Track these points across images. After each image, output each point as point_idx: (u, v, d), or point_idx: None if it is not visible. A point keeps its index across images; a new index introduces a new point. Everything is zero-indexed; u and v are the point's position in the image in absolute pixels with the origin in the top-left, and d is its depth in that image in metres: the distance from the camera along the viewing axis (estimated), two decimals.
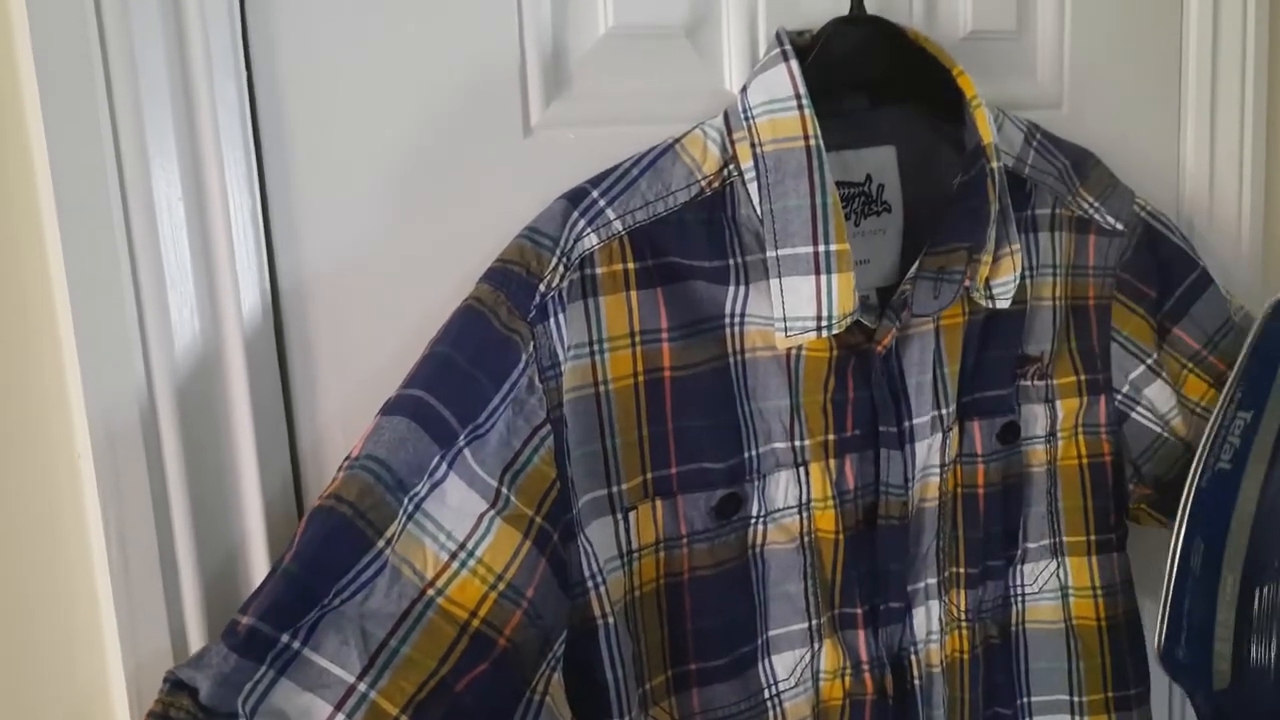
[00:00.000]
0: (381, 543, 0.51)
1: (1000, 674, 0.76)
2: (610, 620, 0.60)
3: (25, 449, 0.53)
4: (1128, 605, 0.78)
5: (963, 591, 0.73)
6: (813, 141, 0.60)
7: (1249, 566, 0.64)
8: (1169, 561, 0.65)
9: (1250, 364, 0.67)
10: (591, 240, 0.59)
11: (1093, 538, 0.77)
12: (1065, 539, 0.77)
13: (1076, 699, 0.77)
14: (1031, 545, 0.77)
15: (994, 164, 0.64)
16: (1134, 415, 0.78)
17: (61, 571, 0.54)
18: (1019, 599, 0.77)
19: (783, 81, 0.61)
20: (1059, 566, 0.77)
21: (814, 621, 0.68)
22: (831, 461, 0.67)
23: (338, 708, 0.49)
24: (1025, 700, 0.77)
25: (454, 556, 0.54)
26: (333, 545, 0.51)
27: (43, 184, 0.51)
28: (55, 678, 0.55)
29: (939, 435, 0.70)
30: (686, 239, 0.62)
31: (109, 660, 0.55)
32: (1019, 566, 0.77)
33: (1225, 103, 0.89)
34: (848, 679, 0.69)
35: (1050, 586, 0.77)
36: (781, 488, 0.66)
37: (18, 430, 0.53)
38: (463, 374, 0.55)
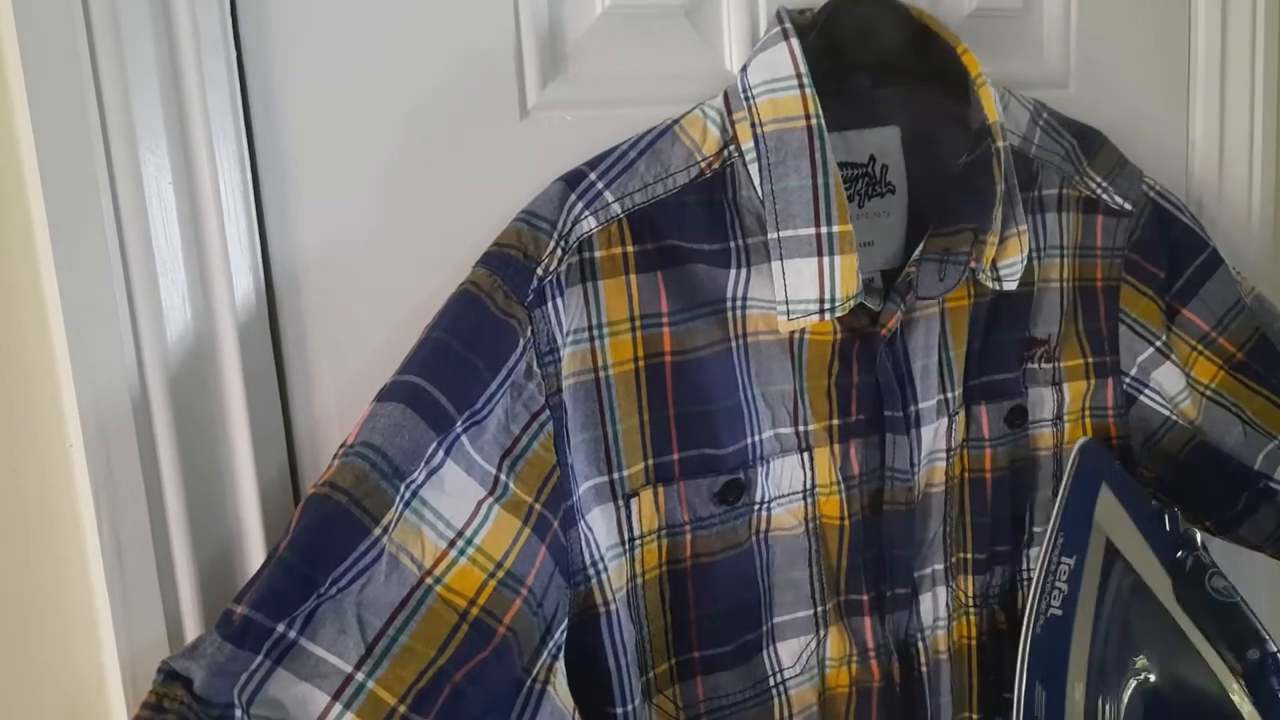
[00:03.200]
0: (378, 531, 0.51)
1: (1008, 659, 0.76)
2: (612, 608, 0.59)
3: (16, 440, 0.53)
4: None
5: (970, 577, 0.72)
6: (814, 121, 0.59)
7: (1089, 713, 0.66)
8: (1014, 711, 0.66)
9: (1067, 508, 0.69)
10: (590, 223, 0.58)
11: None
12: None
13: None
14: (1038, 529, 0.76)
15: (1000, 143, 0.63)
16: (1142, 398, 0.77)
17: (55, 562, 0.54)
18: (1025, 584, 0.76)
19: (784, 60, 0.60)
20: None
21: (819, 608, 0.67)
22: (836, 446, 0.66)
23: (335, 698, 0.49)
24: None
25: (452, 544, 0.53)
26: (328, 533, 0.50)
27: (29, 170, 0.50)
28: (50, 668, 0.54)
29: (945, 420, 0.69)
30: (686, 221, 0.61)
31: (104, 650, 0.54)
32: (1025, 551, 0.76)
33: (1235, 80, 0.87)
34: (854, 666, 0.68)
35: None
36: (785, 473, 0.65)
37: (9, 421, 0.52)
38: (459, 359, 0.54)
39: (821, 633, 0.68)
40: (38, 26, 0.49)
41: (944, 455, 0.69)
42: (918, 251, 0.63)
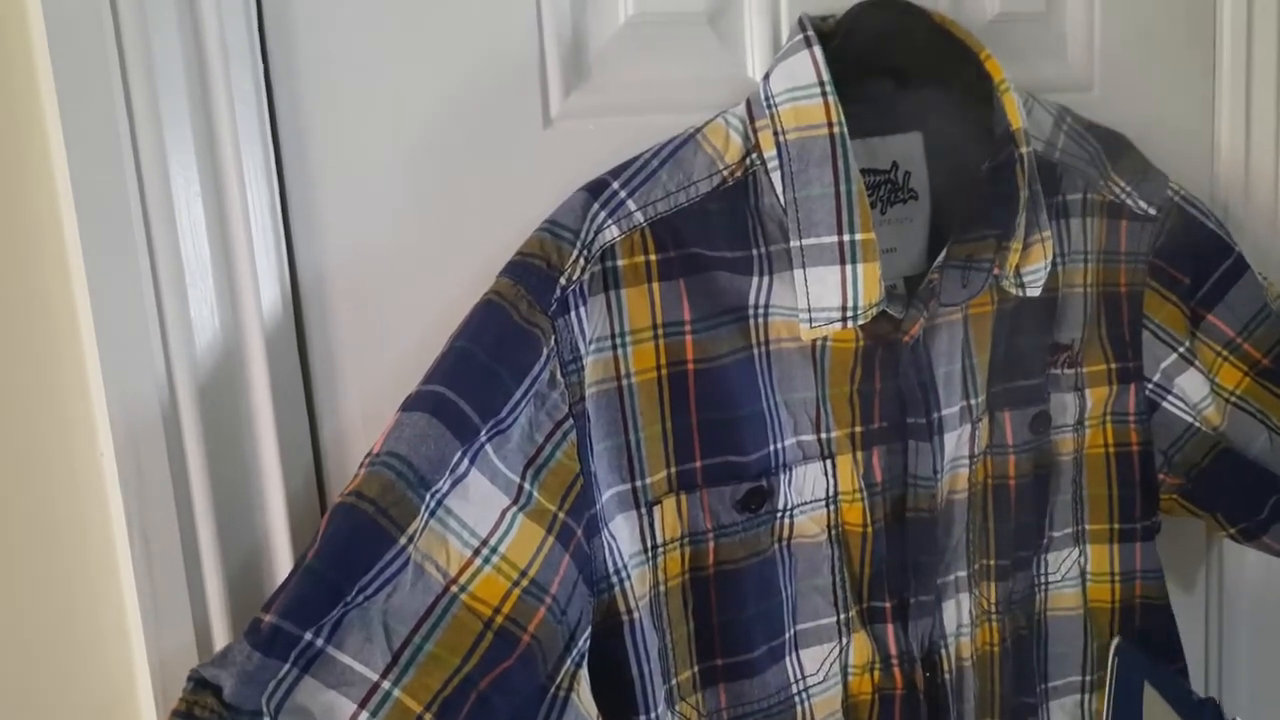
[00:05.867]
0: (404, 539, 0.51)
1: (1027, 664, 0.76)
2: (636, 615, 0.60)
3: (49, 448, 0.53)
4: (1149, 591, 0.77)
5: (993, 584, 0.72)
6: (837, 129, 0.59)
7: None
8: None
9: (1117, 711, 0.68)
10: (612, 232, 0.59)
11: (1116, 526, 0.76)
12: (1088, 526, 0.76)
13: (1088, 677, 0.76)
14: (1056, 534, 0.76)
15: (1023, 149, 0.63)
16: (1165, 404, 0.76)
17: (86, 569, 0.54)
18: (1043, 587, 0.76)
19: (806, 68, 0.60)
20: (1080, 554, 0.76)
21: (843, 615, 0.67)
22: (859, 454, 0.66)
23: (362, 705, 0.49)
24: (1044, 686, 0.77)
25: (477, 553, 0.53)
26: (355, 542, 0.50)
27: (61, 183, 0.51)
28: (81, 675, 0.55)
29: (968, 426, 0.69)
30: (709, 229, 0.61)
31: (134, 658, 0.55)
32: (1043, 555, 0.76)
33: (1261, 83, 0.86)
34: (877, 673, 0.68)
35: (1072, 574, 0.76)
36: (808, 480, 0.65)
37: (41, 429, 0.53)
38: (483, 368, 0.54)
39: (844, 640, 0.68)
40: (69, 43, 0.50)
41: (967, 462, 0.69)
42: (941, 258, 0.63)
